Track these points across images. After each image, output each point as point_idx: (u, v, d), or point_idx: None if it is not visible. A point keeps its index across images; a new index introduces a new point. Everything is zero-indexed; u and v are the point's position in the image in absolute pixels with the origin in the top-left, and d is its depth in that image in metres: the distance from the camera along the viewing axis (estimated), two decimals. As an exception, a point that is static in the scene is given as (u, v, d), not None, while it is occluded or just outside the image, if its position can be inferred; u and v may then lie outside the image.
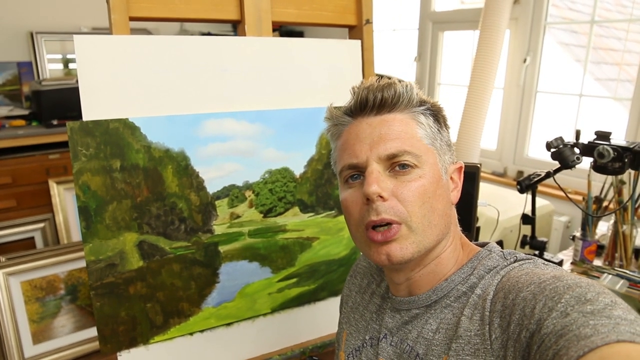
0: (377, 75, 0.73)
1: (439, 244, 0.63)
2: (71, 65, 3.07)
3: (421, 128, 0.62)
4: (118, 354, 1.01)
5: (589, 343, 0.40)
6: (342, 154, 0.64)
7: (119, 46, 0.95)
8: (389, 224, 0.59)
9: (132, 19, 1.01)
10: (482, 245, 0.67)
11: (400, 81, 0.65)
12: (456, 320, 0.59)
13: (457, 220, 0.68)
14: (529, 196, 1.45)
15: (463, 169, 0.69)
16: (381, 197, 0.58)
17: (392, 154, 0.59)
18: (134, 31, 0.99)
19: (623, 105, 2.18)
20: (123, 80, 0.96)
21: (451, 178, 0.66)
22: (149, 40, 0.99)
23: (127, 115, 0.96)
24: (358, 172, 0.62)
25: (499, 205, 1.52)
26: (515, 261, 0.61)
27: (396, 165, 0.60)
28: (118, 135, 0.95)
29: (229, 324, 1.11)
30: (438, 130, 0.65)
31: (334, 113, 0.67)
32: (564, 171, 1.32)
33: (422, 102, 0.64)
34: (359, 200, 0.61)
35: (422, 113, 0.63)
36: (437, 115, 0.66)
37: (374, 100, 0.62)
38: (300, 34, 3.64)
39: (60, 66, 3.05)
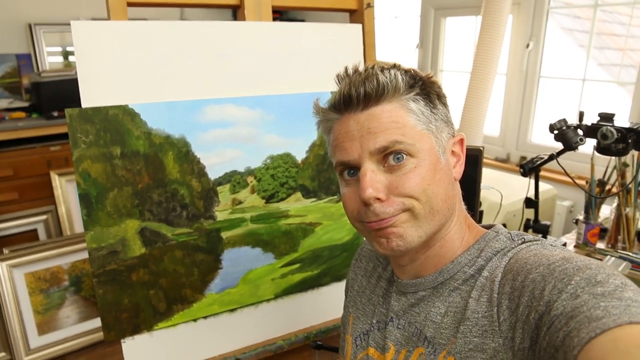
0: (368, 64, 0.70)
1: (443, 226, 0.62)
2: (71, 58, 3.05)
3: (412, 115, 0.59)
4: (122, 340, 1.01)
5: (600, 325, 0.39)
6: (335, 150, 0.63)
7: (116, 32, 0.94)
8: None
9: (129, 4, 1.00)
10: (489, 227, 0.66)
11: (396, 66, 0.62)
12: (464, 303, 0.59)
13: (461, 197, 0.67)
14: (532, 180, 1.44)
15: (465, 141, 0.66)
16: (378, 199, 0.57)
17: (383, 146, 0.57)
18: (133, 20, 0.98)
19: (626, 90, 2.16)
20: (122, 66, 0.95)
21: (453, 152, 0.64)
22: (148, 25, 0.98)
23: (126, 102, 0.95)
24: (353, 169, 0.61)
25: (503, 189, 1.52)
26: (522, 243, 0.60)
27: (389, 157, 0.58)
28: (118, 121, 0.94)
29: (232, 310, 1.12)
30: (431, 111, 0.61)
31: (321, 110, 0.65)
32: (567, 155, 1.31)
33: (410, 86, 0.61)
34: (357, 198, 0.59)
35: (411, 99, 0.60)
36: (428, 94, 0.62)
37: (358, 96, 0.59)
38: (302, 22, 3.62)
39: (60, 59, 3.04)
